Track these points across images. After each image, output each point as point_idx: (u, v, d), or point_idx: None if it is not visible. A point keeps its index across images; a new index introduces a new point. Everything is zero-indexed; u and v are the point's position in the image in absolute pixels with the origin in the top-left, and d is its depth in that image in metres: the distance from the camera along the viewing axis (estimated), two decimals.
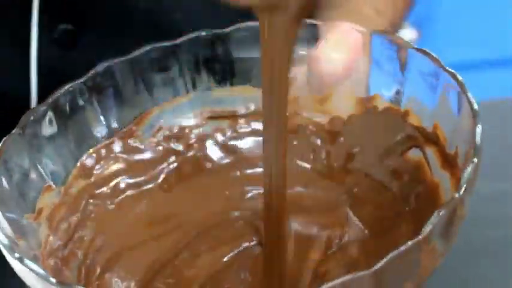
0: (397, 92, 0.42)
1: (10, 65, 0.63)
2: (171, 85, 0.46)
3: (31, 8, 0.60)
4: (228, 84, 0.47)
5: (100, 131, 0.45)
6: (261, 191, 0.41)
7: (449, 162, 0.38)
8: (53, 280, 0.31)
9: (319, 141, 0.46)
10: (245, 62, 0.46)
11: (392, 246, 0.29)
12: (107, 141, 0.45)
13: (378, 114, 0.43)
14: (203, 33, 0.45)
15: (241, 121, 0.47)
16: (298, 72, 0.45)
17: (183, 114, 0.47)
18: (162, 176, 0.46)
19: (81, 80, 0.43)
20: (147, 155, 0.46)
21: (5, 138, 0.39)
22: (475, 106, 0.35)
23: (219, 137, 0.47)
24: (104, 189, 0.45)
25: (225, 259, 0.43)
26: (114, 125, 0.45)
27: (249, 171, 0.47)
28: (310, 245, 0.42)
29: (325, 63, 0.41)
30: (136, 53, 0.44)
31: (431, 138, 0.40)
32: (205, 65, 0.46)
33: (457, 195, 0.31)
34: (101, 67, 0.44)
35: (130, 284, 0.42)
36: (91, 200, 0.44)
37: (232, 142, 0.48)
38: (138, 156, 0.46)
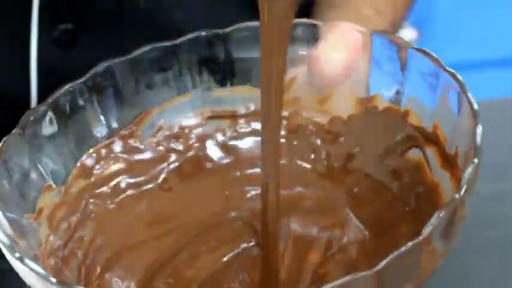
0: (397, 92, 0.42)
1: (10, 65, 0.63)
2: (171, 85, 0.46)
3: (31, 8, 0.60)
4: (228, 84, 0.47)
5: (100, 131, 0.45)
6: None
7: (449, 162, 0.38)
8: (54, 280, 0.31)
9: (319, 141, 0.46)
10: (245, 62, 0.46)
11: (392, 247, 0.29)
12: (107, 141, 0.45)
13: (378, 114, 0.43)
14: (203, 33, 0.45)
15: (241, 121, 0.47)
16: (298, 72, 0.45)
17: (183, 114, 0.47)
18: (162, 176, 0.46)
19: (81, 80, 0.43)
20: (147, 155, 0.46)
21: (5, 138, 0.39)
22: (475, 106, 0.35)
23: (219, 137, 0.47)
24: (104, 189, 0.45)
25: (225, 259, 0.43)
26: (114, 125, 0.45)
27: (249, 171, 0.47)
28: (310, 245, 0.42)
29: (325, 63, 0.42)
30: (137, 52, 0.44)
31: (431, 138, 0.40)
32: (206, 65, 0.46)
33: (457, 196, 0.31)
34: (100, 67, 0.44)
35: (130, 283, 0.42)
36: (91, 200, 0.44)
37: (232, 142, 0.47)
38: (138, 156, 0.46)
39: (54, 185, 0.42)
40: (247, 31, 0.45)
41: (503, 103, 0.67)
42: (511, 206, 0.54)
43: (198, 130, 0.47)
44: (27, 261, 0.32)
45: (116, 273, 0.42)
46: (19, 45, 0.61)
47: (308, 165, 0.46)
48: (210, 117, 0.47)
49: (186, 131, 0.47)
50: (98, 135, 0.44)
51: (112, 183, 0.45)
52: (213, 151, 0.47)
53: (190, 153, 0.47)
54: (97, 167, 0.45)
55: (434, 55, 0.39)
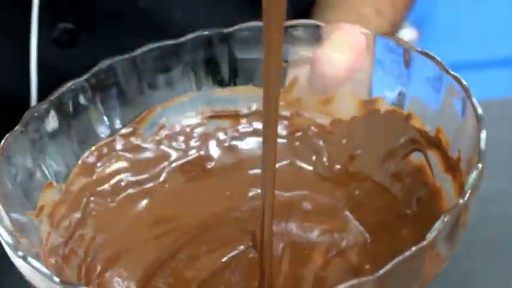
0: (400, 95, 0.42)
1: (10, 65, 0.63)
2: (173, 84, 0.46)
3: (31, 8, 0.60)
4: (230, 84, 0.47)
5: (103, 130, 0.44)
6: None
7: (452, 166, 0.38)
8: (57, 280, 0.31)
9: (321, 143, 0.46)
10: (247, 62, 0.46)
11: (393, 251, 0.29)
12: (109, 139, 0.45)
13: (381, 117, 0.43)
14: (206, 33, 0.45)
15: (243, 121, 0.47)
16: (300, 73, 0.45)
17: (185, 113, 0.47)
18: (164, 175, 0.46)
19: (84, 77, 0.43)
20: (148, 154, 0.46)
21: (7, 135, 0.39)
22: (480, 111, 0.35)
23: (221, 137, 0.47)
24: (105, 187, 0.45)
25: (224, 260, 0.42)
26: (117, 123, 0.45)
27: (250, 171, 0.47)
28: (310, 248, 0.42)
29: (328, 64, 0.42)
30: (139, 51, 0.44)
31: (434, 142, 0.40)
32: (208, 65, 0.46)
33: (461, 201, 0.31)
34: (103, 64, 0.43)
35: (130, 283, 0.42)
36: (92, 198, 0.44)
37: (234, 142, 0.47)
38: (139, 155, 0.46)
39: (55, 183, 0.42)
40: (250, 31, 0.45)
41: (503, 103, 0.67)
42: (511, 206, 0.54)
43: (200, 130, 0.47)
44: (30, 259, 0.32)
45: (116, 272, 0.42)
46: (19, 45, 0.61)
47: (309, 167, 0.46)
48: (212, 117, 0.47)
49: (188, 130, 0.47)
50: (102, 135, 0.44)
51: (113, 182, 0.45)
52: (215, 151, 0.47)
53: (192, 153, 0.47)
54: (98, 164, 0.45)
55: (438, 58, 0.39)
